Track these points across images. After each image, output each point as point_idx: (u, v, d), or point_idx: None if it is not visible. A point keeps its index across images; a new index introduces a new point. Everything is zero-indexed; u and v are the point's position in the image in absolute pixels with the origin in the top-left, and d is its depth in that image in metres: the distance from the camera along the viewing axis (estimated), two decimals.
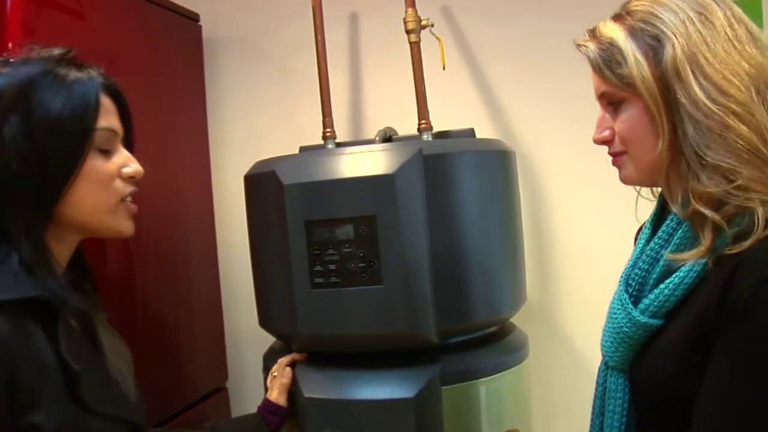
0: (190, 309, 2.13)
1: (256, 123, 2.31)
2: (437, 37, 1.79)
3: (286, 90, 2.26)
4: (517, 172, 1.76)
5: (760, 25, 1.75)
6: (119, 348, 1.23)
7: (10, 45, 1.51)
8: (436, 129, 1.82)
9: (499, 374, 1.60)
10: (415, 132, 1.80)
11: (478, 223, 1.58)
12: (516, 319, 1.80)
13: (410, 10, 1.76)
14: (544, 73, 1.95)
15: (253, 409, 1.58)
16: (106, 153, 1.11)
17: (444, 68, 1.82)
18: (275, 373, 1.57)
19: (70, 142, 1.05)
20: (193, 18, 2.25)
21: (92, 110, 1.07)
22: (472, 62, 2.09)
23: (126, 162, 1.13)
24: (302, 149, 1.90)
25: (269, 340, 1.80)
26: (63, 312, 1.03)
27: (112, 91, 1.14)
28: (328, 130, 1.86)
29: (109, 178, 1.10)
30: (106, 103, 1.12)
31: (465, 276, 1.55)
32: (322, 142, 1.87)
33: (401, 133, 1.88)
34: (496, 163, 1.65)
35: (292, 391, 1.56)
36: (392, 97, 2.02)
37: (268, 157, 1.70)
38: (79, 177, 1.06)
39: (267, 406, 1.54)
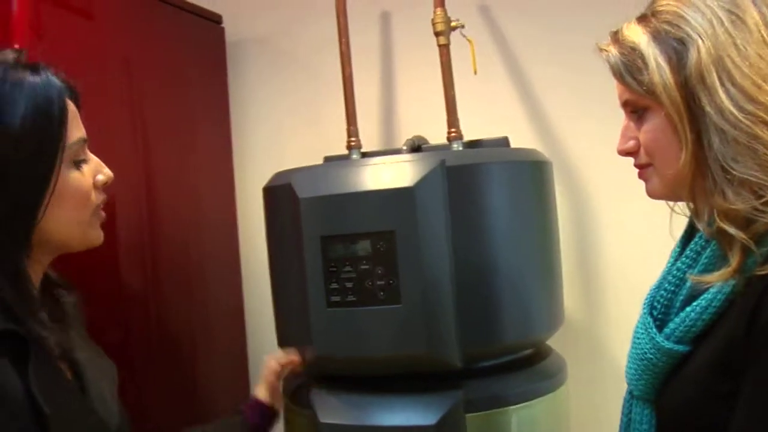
0: (210, 324, 2.11)
1: (281, 128, 2.29)
2: (468, 40, 1.73)
3: (311, 93, 2.24)
4: (554, 184, 1.68)
5: None
6: (101, 364, 1.18)
7: (16, 46, 1.47)
8: (470, 137, 1.76)
9: (532, 401, 1.52)
10: (446, 141, 1.74)
11: (508, 238, 1.51)
12: (555, 343, 1.73)
13: (439, 10, 1.70)
14: (588, 76, 1.85)
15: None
16: (80, 164, 1.05)
17: (475, 72, 1.76)
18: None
19: (38, 162, 0.99)
20: (215, 20, 2.25)
21: (59, 122, 1.01)
22: (511, 65, 2.02)
23: (97, 169, 1.09)
24: (326, 159, 1.86)
25: None
26: (36, 348, 0.97)
27: (73, 92, 1.08)
28: (353, 139, 1.82)
29: (87, 192, 1.06)
30: (72, 109, 1.05)
31: (493, 295, 1.48)
32: (347, 151, 1.83)
33: (432, 141, 1.83)
34: (529, 175, 1.58)
35: (307, 415, 1.51)
36: (426, 102, 1.96)
37: (293, 164, 1.66)
38: (54, 195, 1.00)
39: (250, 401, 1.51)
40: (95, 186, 1.08)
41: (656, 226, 1.12)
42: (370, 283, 1.43)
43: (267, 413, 1.49)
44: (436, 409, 1.43)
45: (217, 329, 2.14)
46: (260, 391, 1.50)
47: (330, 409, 1.49)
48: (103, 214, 1.12)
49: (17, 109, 0.97)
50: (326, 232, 1.46)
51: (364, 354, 1.46)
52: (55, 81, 1.03)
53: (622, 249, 1.92)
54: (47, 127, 1.00)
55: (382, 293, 1.43)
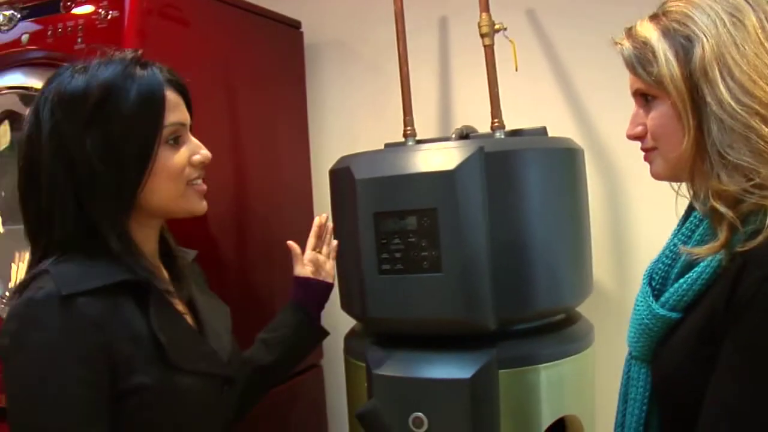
0: (287, 285, 2.32)
1: (350, 118, 2.49)
2: (510, 41, 1.88)
3: (375, 88, 2.42)
4: (585, 168, 1.82)
5: None
6: (216, 307, 1.38)
7: (125, 48, 1.73)
8: (513, 127, 1.90)
9: (559, 361, 1.65)
10: (489, 130, 1.90)
11: (540, 216, 1.65)
12: (586, 310, 1.86)
13: (484, 15, 1.86)
14: (618, 72, 1.99)
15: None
16: (176, 144, 1.22)
17: (516, 70, 1.91)
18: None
19: (142, 141, 1.16)
20: (295, 26, 2.45)
21: (159, 108, 1.18)
22: (550, 63, 2.17)
23: (195, 150, 1.24)
24: (386, 146, 2.03)
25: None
26: (153, 292, 1.17)
27: (176, 84, 1.24)
28: (408, 128, 1.98)
29: (180, 168, 1.21)
30: (172, 97, 1.21)
31: (526, 267, 1.62)
32: (403, 139, 2.00)
33: (480, 131, 1.98)
34: (562, 160, 1.72)
35: (362, 366, 1.69)
36: (474, 95, 2.11)
37: (358, 149, 1.83)
38: (153, 171, 1.17)
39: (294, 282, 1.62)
40: (191, 164, 1.23)
41: (675, 205, 1.20)
42: (415, 254, 1.59)
43: (309, 284, 1.63)
44: (471, 365, 1.57)
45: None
46: (296, 269, 1.66)
47: (381, 362, 1.66)
48: (203, 186, 1.26)
49: (128, 96, 1.15)
50: (378, 209, 1.62)
51: (410, 315, 1.62)
52: (158, 74, 1.20)
53: (648, 226, 2.04)
54: (148, 111, 1.17)
55: (425, 263, 1.58)
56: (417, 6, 2.07)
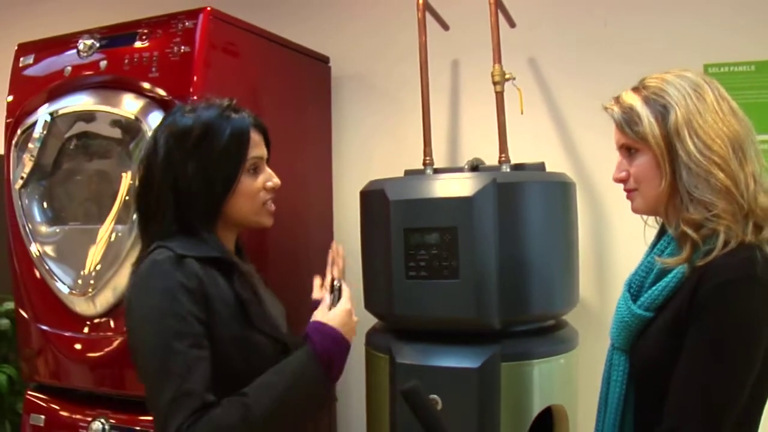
0: (308, 290, 2.53)
1: (371, 146, 2.75)
2: (518, 89, 2.18)
3: (395, 120, 2.70)
4: (577, 199, 2.12)
5: None
6: (274, 302, 1.66)
7: (195, 78, 2.02)
8: (516, 161, 2.18)
9: (550, 358, 1.94)
10: (497, 163, 2.18)
11: (539, 238, 1.94)
12: (573, 319, 2.15)
13: (497, 66, 2.16)
14: (608, 118, 2.31)
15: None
16: (254, 173, 1.52)
17: (522, 113, 2.21)
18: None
19: (230, 169, 1.47)
20: (324, 60, 2.73)
21: (245, 145, 1.49)
22: (549, 107, 2.49)
23: (269, 178, 1.55)
24: (407, 172, 2.31)
25: (373, 321, 2.21)
26: (235, 268, 1.48)
27: (259, 125, 1.55)
28: (428, 158, 2.25)
29: (257, 192, 1.52)
30: (255, 136, 1.52)
31: (526, 278, 1.90)
32: (422, 167, 2.27)
33: (487, 162, 2.25)
34: (558, 192, 2.02)
35: (384, 358, 1.96)
36: (484, 132, 2.37)
37: (378, 175, 2.12)
38: (236, 192, 1.48)
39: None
40: (265, 188, 1.53)
41: (644, 234, 1.48)
42: (437, 264, 1.85)
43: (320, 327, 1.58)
44: (479, 357, 1.84)
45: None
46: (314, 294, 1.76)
47: (403, 352, 1.93)
48: (272, 207, 1.56)
49: (223, 134, 1.47)
50: (408, 225, 1.89)
51: (430, 314, 1.89)
52: (247, 119, 1.52)
53: (625, 251, 2.34)
54: (236, 147, 1.48)
55: (445, 271, 1.85)
56: (433, 48, 2.33)
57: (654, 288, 1.34)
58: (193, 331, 1.35)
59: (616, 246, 2.42)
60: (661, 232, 1.44)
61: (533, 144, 2.44)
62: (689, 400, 1.23)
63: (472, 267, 1.85)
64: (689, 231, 1.27)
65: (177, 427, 1.27)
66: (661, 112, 1.30)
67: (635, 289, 1.41)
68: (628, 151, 1.38)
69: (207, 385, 1.32)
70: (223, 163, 1.47)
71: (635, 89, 1.37)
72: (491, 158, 2.23)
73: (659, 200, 1.35)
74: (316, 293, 1.75)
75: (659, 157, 1.31)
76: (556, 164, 2.35)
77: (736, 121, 1.29)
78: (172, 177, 1.45)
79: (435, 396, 1.81)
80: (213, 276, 1.43)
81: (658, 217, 1.46)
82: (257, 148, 1.54)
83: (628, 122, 1.34)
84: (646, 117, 1.31)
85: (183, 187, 1.45)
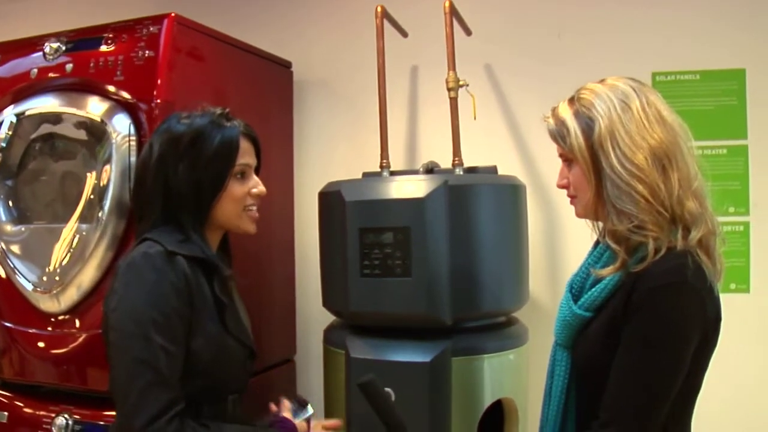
0: (270, 289, 2.62)
1: (331, 149, 2.82)
2: (471, 95, 2.27)
3: (355, 124, 2.77)
4: (528, 201, 2.21)
5: (743, 92, 2.22)
6: (244, 310, 1.73)
7: (159, 81, 2.07)
8: (469, 164, 2.25)
9: (500, 353, 2.01)
10: (450, 166, 2.25)
11: (490, 238, 2.01)
12: (523, 316, 2.23)
13: (451, 73, 2.24)
14: None
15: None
16: (242, 179, 1.61)
17: (475, 118, 2.30)
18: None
19: (218, 173, 1.56)
20: (286, 65, 2.78)
21: (234, 151, 1.58)
22: (503, 112, 2.59)
23: (255, 185, 1.64)
24: (365, 174, 2.37)
25: (331, 320, 2.28)
26: (216, 269, 1.56)
27: (250, 135, 1.64)
28: (384, 161, 2.31)
29: (242, 197, 1.61)
30: (245, 144, 1.61)
31: (476, 277, 1.98)
32: (380, 170, 2.32)
33: (443, 165, 2.32)
34: (509, 193, 2.10)
35: (340, 353, 2.03)
36: (438, 136, 2.46)
37: (339, 177, 2.19)
38: (222, 196, 1.57)
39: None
40: (250, 194, 1.61)
41: (591, 235, 1.54)
42: (390, 262, 1.92)
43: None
44: (430, 352, 1.91)
45: (274, 291, 2.65)
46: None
47: (358, 348, 1.99)
48: (255, 214, 1.65)
49: (213, 140, 1.56)
50: (363, 225, 1.96)
51: (384, 311, 1.96)
52: (237, 127, 1.60)
53: (574, 250, 2.40)
54: (225, 153, 1.56)
55: (398, 269, 1.92)
56: (391, 55, 2.41)
57: (593, 290, 1.40)
58: (173, 328, 1.43)
59: (566, 246, 2.52)
60: (599, 240, 1.50)
61: (487, 148, 2.53)
62: (623, 395, 1.30)
63: (425, 265, 1.92)
64: (612, 244, 1.34)
65: (149, 417, 1.35)
66: (588, 124, 1.35)
67: (576, 289, 1.47)
68: (566, 160, 1.44)
69: (177, 381, 1.41)
70: (211, 167, 1.56)
71: (570, 100, 1.42)
72: (447, 161, 2.30)
73: (591, 209, 1.41)
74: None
75: (585, 169, 1.36)
76: (509, 167, 2.43)
77: (662, 128, 1.32)
78: (163, 177, 1.54)
79: (389, 389, 1.85)
80: (197, 275, 1.51)
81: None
82: (246, 156, 1.63)
83: (560, 135, 1.40)
84: (574, 130, 1.36)
85: (173, 187, 1.54)
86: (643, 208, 1.29)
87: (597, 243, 1.49)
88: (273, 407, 1.72)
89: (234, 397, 1.62)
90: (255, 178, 1.66)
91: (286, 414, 1.67)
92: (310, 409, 1.72)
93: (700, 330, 1.30)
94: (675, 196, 1.30)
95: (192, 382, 1.46)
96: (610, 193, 1.32)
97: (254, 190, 1.64)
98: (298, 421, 1.66)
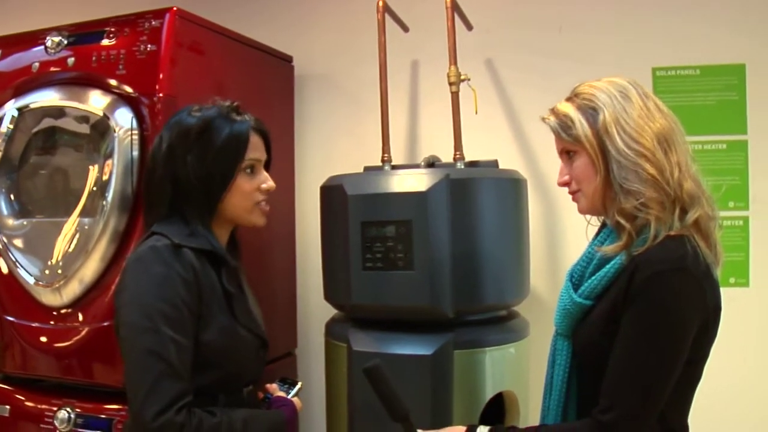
0: (271, 282, 2.63)
1: (332, 143, 2.83)
2: (473, 89, 2.28)
3: (356, 118, 2.78)
4: (528, 195, 2.21)
5: (743, 87, 2.23)
6: (254, 300, 1.73)
7: (161, 75, 2.08)
8: (472, 158, 2.27)
9: (501, 346, 2.03)
10: (452, 160, 2.27)
11: (491, 231, 2.02)
12: (526, 309, 2.24)
13: (452, 67, 2.25)
14: None
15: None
16: (251, 173, 1.60)
17: (476, 113, 2.30)
18: None
19: (227, 167, 1.56)
20: (287, 60, 2.79)
21: (243, 146, 1.57)
22: (504, 106, 2.59)
23: (264, 180, 1.63)
24: (366, 168, 2.38)
25: (332, 313, 2.29)
26: (225, 261, 1.56)
27: (261, 130, 1.64)
28: (386, 155, 2.33)
29: (251, 192, 1.60)
30: (255, 139, 1.61)
31: (478, 270, 1.98)
32: (381, 163, 2.34)
33: (444, 160, 2.33)
34: (510, 188, 2.11)
35: (342, 346, 2.03)
36: (440, 131, 2.47)
37: (340, 171, 2.19)
38: (231, 190, 1.57)
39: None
40: (259, 189, 1.61)
41: (586, 230, 1.58)
42: (393, 255, 1.93)
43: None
44: (433, 344, 1.91)
45: (275, 285, 2.66)
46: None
47: (360, 341, 2.00)
48: (266, 208, 1.64)
49: (222, 133, 1.55)
50: (365, 218, 1.97)
51: (386, 304, 1.96)
52: (248, 122, 1.60)
53: (573, 245, 2.38)
54: (234, 146, 1.56)
55: (401, 262, 1.92)
56: (393, 49, 2.42)
57: (593, 278, 1.43)
58: (183, 320, 1.43)
59: (566, 240, 2.53)
60: (603, 226, 1.53)
61: (488, 142, 2.53)
62: (622, 381, 1.32)
63: (427, 258, 1.92)
64: (622, 220, 1.37)
65: (159, 408, 1.35)
66: (592, 114, 1.40)
67: (576, 278, 1.49)
68: (567, 155, 1.47)
69: (189, 373, 1.42)
70: (220, 160, 1.56)
71: (569, 99, 1.47)
72: (448, 155, 2.31)
73: (597, 195, 1.43)
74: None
75: (593, 155, 1.40)
76: (510, 162, 2.44)
77: (662, 116, 1.39)
78: (172, 168, 1.54)
79: None
80: (205, 267, 1.52)
81: (600, 217, 1.55)
82: (256, 151, 1.62)
83: (563, 128, 1.44)
84: (578, 120, 1.41)
85: (182, 179, 1.54)
86: (650, 186, 1.34)
87: (600, 230, 1.53)
88: (261, 394, 1.74)
89: (249, 389, 1.64)
90: (264, 173, 1.65)
91: (281, 393, 1.71)
92: (299, 384, 1.79)
93: (700, 317, 1.33)
94: (676, 177, 1.35)
95: (206, 373, 1.48)
96: (617, 174, 1.36)
97: (263, 186, 1.63)
98: (295, 398, 1.70)
